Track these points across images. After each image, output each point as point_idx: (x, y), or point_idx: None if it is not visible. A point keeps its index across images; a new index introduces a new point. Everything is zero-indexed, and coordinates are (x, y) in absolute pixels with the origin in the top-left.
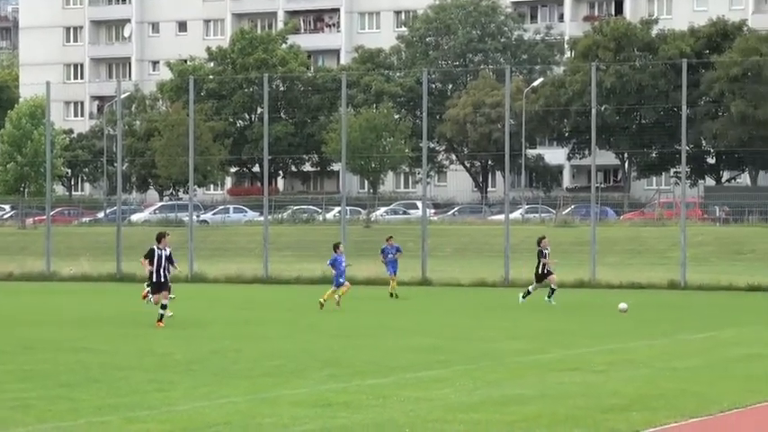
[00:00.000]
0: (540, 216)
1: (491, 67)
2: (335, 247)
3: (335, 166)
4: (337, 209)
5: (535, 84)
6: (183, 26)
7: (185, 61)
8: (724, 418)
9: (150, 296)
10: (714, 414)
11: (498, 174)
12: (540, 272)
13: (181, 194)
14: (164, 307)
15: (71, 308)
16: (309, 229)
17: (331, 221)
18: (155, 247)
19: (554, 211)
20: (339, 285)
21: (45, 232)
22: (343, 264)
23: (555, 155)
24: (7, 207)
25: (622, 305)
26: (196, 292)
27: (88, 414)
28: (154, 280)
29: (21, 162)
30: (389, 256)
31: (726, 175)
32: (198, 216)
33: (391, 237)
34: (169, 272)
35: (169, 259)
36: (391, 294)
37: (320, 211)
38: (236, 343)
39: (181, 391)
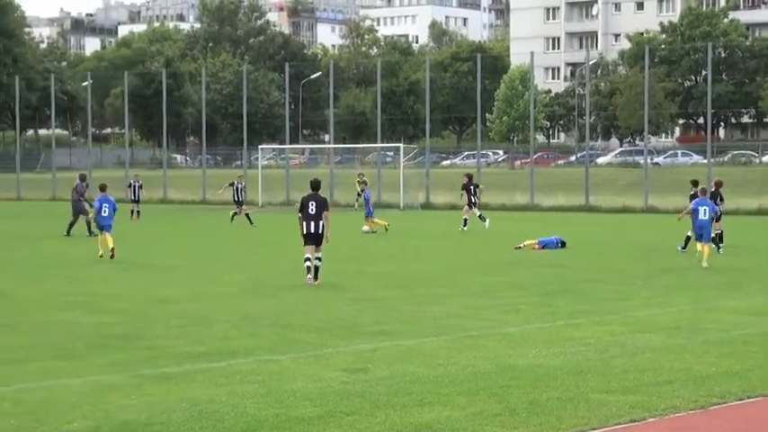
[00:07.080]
0: None
1: None
2: None
3: None
4: None
5: None
6: (640, 5)
7: (642, 34)
8: None
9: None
10: None
11: None
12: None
13: (637, 141)
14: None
15: (551, 231)
16: (747, 170)
17: (766, 163)
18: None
19: None
20: None
21: (529, 172)
22: None
23: None
24: (500, 152)
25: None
26: (650, 222)
27: (564, 317)
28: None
29: (512, 116)
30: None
31: None
32: (651, 159)
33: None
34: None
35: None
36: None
37: (756, 155)
38: (686, 262)
39: (638, 301)
